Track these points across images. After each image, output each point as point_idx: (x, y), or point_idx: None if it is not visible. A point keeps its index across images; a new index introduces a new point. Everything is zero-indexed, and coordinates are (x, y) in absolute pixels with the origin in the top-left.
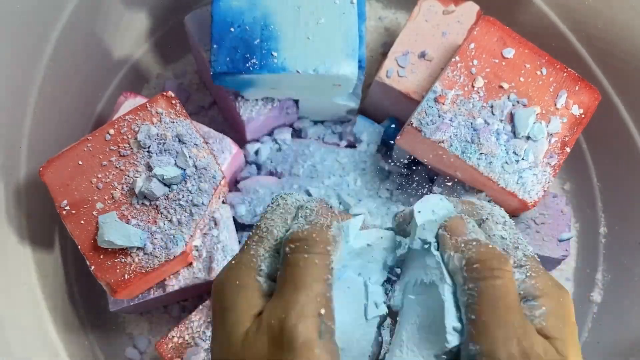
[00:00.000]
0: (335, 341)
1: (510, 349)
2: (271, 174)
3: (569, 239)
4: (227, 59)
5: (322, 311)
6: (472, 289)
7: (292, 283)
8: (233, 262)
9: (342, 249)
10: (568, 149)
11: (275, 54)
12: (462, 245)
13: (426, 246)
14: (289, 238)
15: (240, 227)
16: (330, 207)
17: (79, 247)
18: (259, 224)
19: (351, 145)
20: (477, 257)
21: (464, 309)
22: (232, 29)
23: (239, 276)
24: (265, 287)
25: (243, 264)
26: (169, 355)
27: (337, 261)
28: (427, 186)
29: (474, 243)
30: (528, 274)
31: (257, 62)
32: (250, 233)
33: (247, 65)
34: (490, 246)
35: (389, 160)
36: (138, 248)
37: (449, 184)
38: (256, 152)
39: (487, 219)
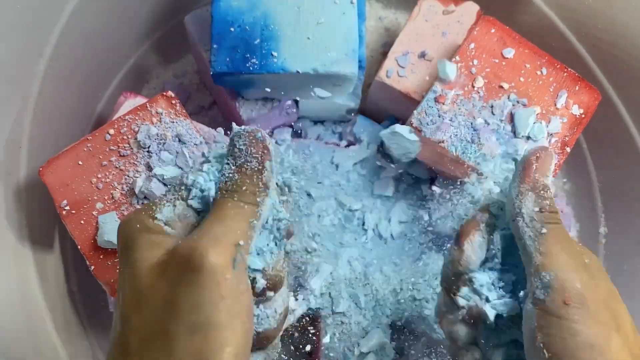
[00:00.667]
0: (248, 278)
1: (582, 276)
2: None
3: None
4: (227, 59)
5: (241, 242)
6: (540, 227)
7: (213, 218)
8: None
9: (273, 195)
10: (568, 149)
11: (275, 53)
12: (540, 187)
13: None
14: (219, 187)
15: None
16: (261, 138)
17: (79, 247)
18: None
19: (351, 145)
20: (549, 206)
21: (530, 242)
22: (232, 29)
23: (138, 219)
24: (169, 230)
25: (143, 209)
26: None
27: (266, 209)
28: (427, 186)
29: (546, 189)
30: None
31: (257, 62)
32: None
33: (247, 65)
34: (552, 198)
35: (389, 160)
36: None
37: (449, 183)
38: None
39: None
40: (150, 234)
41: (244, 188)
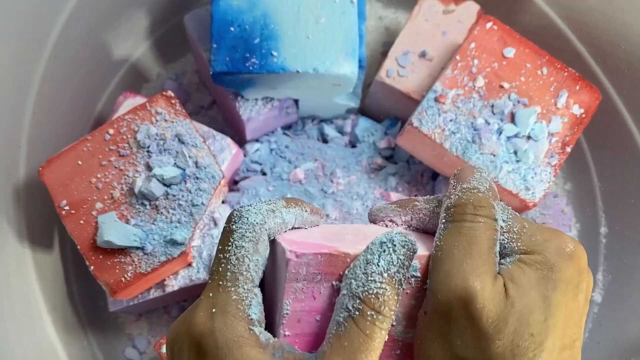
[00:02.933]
0: None
1: (452, 287)
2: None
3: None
4: (227, 59)
5: None
6: (442, 228)
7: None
8: (214, 309)
9: None
10: (569, 149)
11: (275, 53)
12: (458, 190)
13: None
14: (358, 297)
15: None
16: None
17: (78, 247)
18: (223, 255)
19: (351, 145)
20: (457, 202)
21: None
22: (231, 29)
23: (232, 329)
24: (263, 339)
25: (230, 314)
26: None
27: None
28: (427, 186)
29: (465, 188)
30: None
31: (256, 62)
32: (213, 268)
33: (247, 64)
34: (478, 192)
35: (389, 160)
36: (137, 248)
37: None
38: (256, 152)
39: None
40: (250, 351)
41: (393, 307)
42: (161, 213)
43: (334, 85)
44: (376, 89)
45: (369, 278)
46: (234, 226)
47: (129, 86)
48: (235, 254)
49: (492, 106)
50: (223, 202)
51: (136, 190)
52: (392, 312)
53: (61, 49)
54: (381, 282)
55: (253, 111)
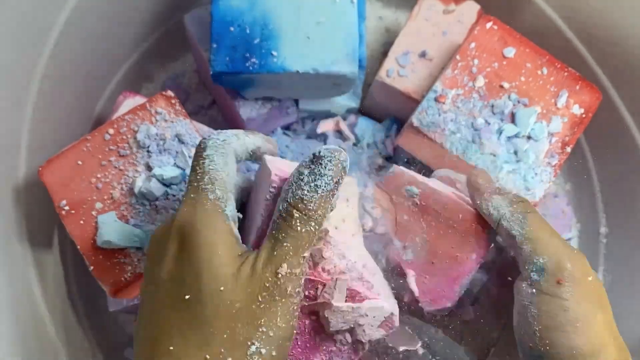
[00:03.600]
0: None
1: (570, 257)
2: None
3: (569, 239)
4: (227, 59)
5: (305, 255)
6: (522, 217)
7: (289, 234)
8: (195, 206)
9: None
10: (569, 149)
11: (275, 53)
12: (496, 189)
13: None
14: (289, 201)
15: None
16: (345, 163)
17: (78, 247)
18: (199, 166)
19: (352, 145)
20: (517, 197)
21: (518, 231)
22: (231, 29)
23: (212, 221)
24: (234, 231)
25: (210, 208)
26: None
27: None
28: None
29: (501, 189)
30: None
31: (256, 62)
32: (191, 177)
33: (247, 64)
34: (514, 192)
35: (389, 160)
36: (137, 248)
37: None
38: None
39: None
40: (225, 236)
41: (318, 211)
42: (161, 213)
43: (334, 85)
44: (376, 89)
45: (298, 187)
46: (205, 144)
47: (128, 86)
48: (209, 164)
49: (492, 106)
50: None
51: (136, 190)
52: (319, 215)
53: (61, 48)
54: (308, 191)
55: (253, 111)
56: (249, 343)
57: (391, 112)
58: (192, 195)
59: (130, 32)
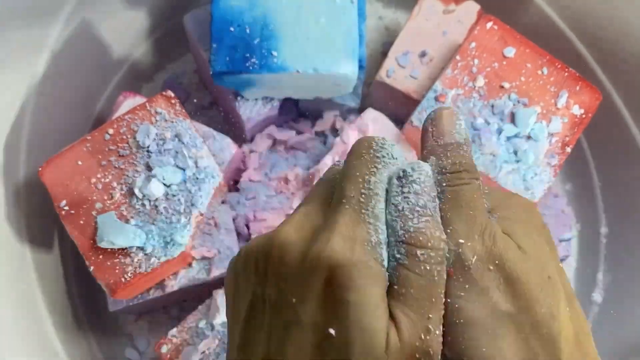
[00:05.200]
0: None
1: (474, 244)
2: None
3: (569, 239)
4: (227, 59)
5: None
6: (441, 190)
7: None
8: (354, 242)
9: None
10: (569, 149)
11: (275, 53)
12: (441, 149)
13: None
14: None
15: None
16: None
17: (78, 247)
18: (363, 181)
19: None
20: (451, 167)
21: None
22: (231, 29)
23: (364, 257)
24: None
25: (363, 239)
26: (168, 356)
27: None
28: None
29: (448, 148)
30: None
31: (256, 62)
32: (349, 188)
33: (247, 64)
34: (467, 155)
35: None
36: (137, 248)
37: None
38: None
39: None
40: (379, 283)
41: (436, 234)
42: (161, 213)
43: (334, 85)
44: (376, 89)
45: (404, 219)
46: (379, 153)
47: (128, 86)
48: (379, 184)
49: (492, 106)
50: (223, 202)
51: (136, 190)
52: (443, 243)
53: (61, 49)
54: (418, 218)
55: (253, 111)
56: None
57: (391, 112)
58: (347, 225)
59: (130, 32)
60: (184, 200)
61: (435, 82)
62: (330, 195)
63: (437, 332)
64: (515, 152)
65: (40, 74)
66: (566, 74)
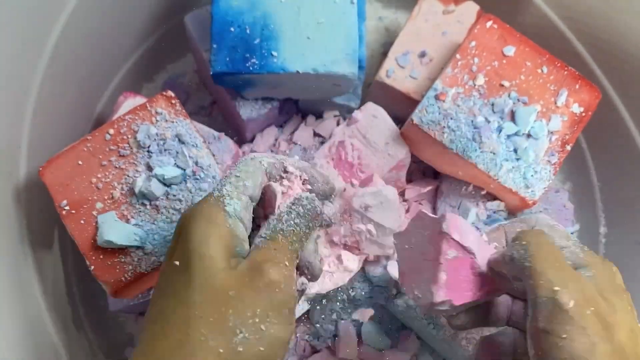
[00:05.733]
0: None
1: (568, 289)
2: None
3: (572, 233)
4: (227, 59)
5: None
6: (522, 248)
7: (272, 246)
8: (201, 199)
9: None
10: (568, 147)
11: (275, 53)
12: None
13: None
14: (279, 226)
15: None
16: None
17: (79, 246)
18: (232, 174)
19: None
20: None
21: (520, 267)
22: (232, 29)
23: (210, 214)
24: (233, 227)
25: (212, 203)
26: None
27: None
28: (429, 185)
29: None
30: (575, 251)
31: (257, 62)
32: (223, 179)
33: (247, 65)
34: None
35: None
36: (138, 248)
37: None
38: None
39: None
40: (220, 230)
41: (296, 243)
42: (161, 213)
43: (334, 85)
44: (376, 89)
45: (280, 222)
46: (242, 158)
47: (129, 86)
48: (236, 174)
49: (492, 104)
50: None
51: (136, 190)
52: (301, 240)
53: (62, 49)
54: (288, 226)
55: (253, 111)
56: (238, 331)
57: (391, 112)
58: (210, 206)
59: (130, 32)
60: (184, 200)
61: (435, 81)
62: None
63: (283, 264)
64: (516, 150)
65: (41, 74)
66: (566, 72)
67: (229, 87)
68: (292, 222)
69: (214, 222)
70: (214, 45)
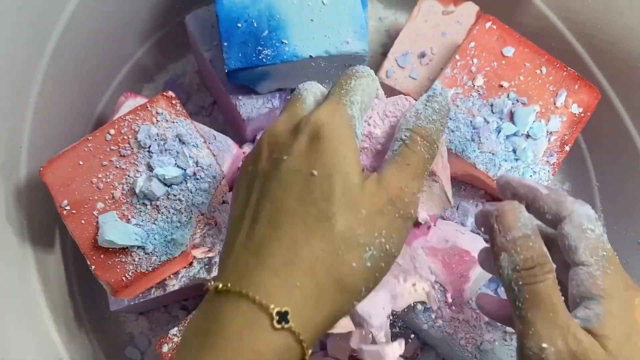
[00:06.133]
0: None
1: (558, 349)
2: None
3: None
4: (240, 55)
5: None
6: (518, 289)
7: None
8: (334, 111)
9: None
10: (567, 148)
11: (285, 41)
12: (510, 245)
13: None
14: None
15: None
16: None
17: (80, 246)
18: (346, 84)
19: None
20: (523, 262)
21: (511, 303)
22: (239, 25)
23: (347, 131)
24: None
25: (346, 121)
26: (169, 355)
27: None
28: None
29: (522, 241)
30: (594, 273)
31: (269, 53)
32: (335, 89)
33: (261, 57)
34: (536, 246)
35: None
36: (138, 248)
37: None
38: None
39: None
40: (354, 148)
41: (435, 142)
42: (162, 213)
43: (347, 66)
44: None
45: (418, 119)
46: (366, 71)
47: (130, 87)
48: (359, 86)
49: (492, 105)
50: (223, 202)
51: (137, 190)
52: (435, 147)
53: (62, 49)
54: (427, 122)
55: (253, 111)
56: (367, 248)
57: None
58: (332, 104)
59: (131, 32)
60: (184, 200)
61: (434, 82)
62: (304, 104)
63: (413, 192)
64: (514, 151)
65: (42, 74)
66: (565, 73)
67: (244, 83)
68: (430, 119)
69: (351, 140)
70: (225, 44)
